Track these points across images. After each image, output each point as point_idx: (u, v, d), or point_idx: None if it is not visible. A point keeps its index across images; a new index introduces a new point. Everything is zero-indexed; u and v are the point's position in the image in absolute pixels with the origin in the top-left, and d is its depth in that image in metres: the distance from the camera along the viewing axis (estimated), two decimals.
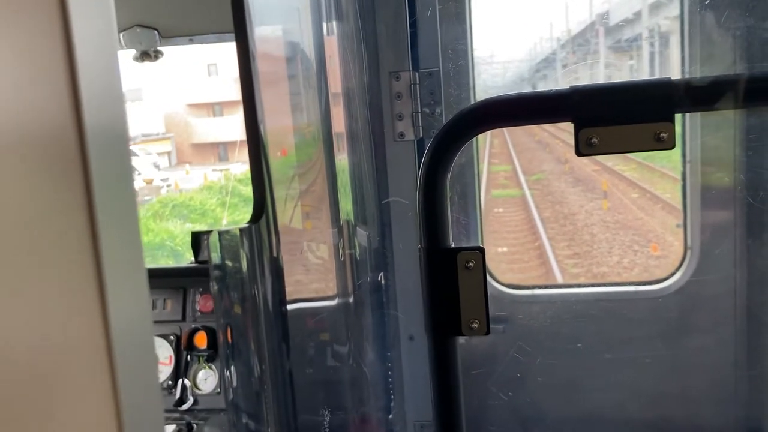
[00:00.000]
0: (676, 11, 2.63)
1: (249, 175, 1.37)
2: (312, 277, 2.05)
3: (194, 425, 2.55)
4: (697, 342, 2.72)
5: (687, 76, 2.60)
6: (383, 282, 2.71)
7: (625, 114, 1.36)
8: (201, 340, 2.68)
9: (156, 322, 2.74)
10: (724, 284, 2.65)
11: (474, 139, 2.59)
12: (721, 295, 2.66)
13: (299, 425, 1.69)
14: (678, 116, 1.38)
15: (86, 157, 0.60)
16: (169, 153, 30.67)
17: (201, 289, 2.77)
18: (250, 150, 1.30)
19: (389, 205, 2.71)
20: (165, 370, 2.70)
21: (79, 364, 0.61)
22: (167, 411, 2.61)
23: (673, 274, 2.74)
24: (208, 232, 1.35)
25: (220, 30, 2.49)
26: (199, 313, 2.76)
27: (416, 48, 2.63)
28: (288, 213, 1.76)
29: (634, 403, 2.79)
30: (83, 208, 0.60)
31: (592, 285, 4.05)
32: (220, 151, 32.00)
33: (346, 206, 2.29)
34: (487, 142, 18.65)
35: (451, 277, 1.50)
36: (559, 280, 9.52)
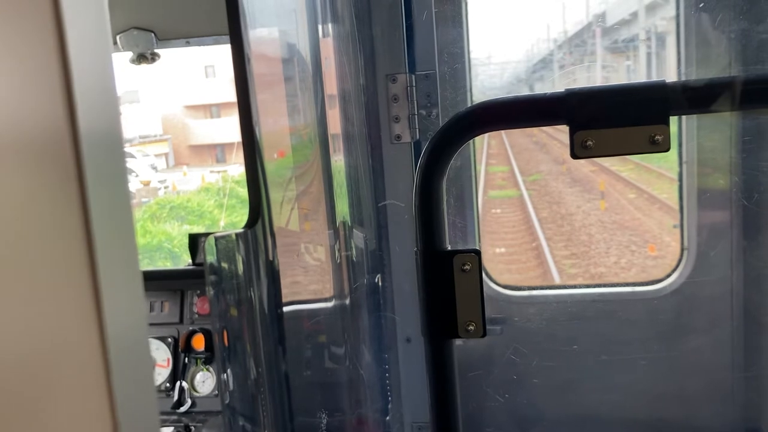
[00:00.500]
0: (673, 12, 2.64)
1: (245, 176, 1.37)
2: (309, 280, 2.06)
3: (192, 427, 2.54)
4: (693, 342, 2.72)
5: (683, 77, 2.61)
6: (380, 284, 2.71)
7: (619, 117, 1.37)
8: (199, 343, 2.68)
9: (154, 324, 2.74)
10: (721, 285, 2.65)
11: (471, 141, 2.59)
12: (718, 295, 2.67)
13: (296, 427, 1.69)
14: (675, 117, 1.38)
15: (80, 159, 0.60)
16: (166, 155, 30.64)
17: (198, 292, 2.77)
18: (245, 153, 1.30)
19: (386, 208, 2.71)
20: (163, 373, 2.70)
21: (74, 367, 0.61)
22: (165, 413, 2.61)
23: (669, 274, 2.75)
24: (206, 235, 1.35)
25: (217, 32, 2.49)
26: (196, 316, 2.76)
27: (412, 50, 2.63)
28: (284, 216, 1.76)
29: (631, 404, 2.79)
30: (78, 211, 0.60)
31: (589, 286, 4.06)
32: (217, 152, 31.98)
33: (343, 209, 2.30)
34: (485, 143, 18.67)
35: (448, 280, 1.50)
36: (557, 280, 9.52)
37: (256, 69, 1.43)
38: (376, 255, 2.69)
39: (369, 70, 2.59)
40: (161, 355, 2.71)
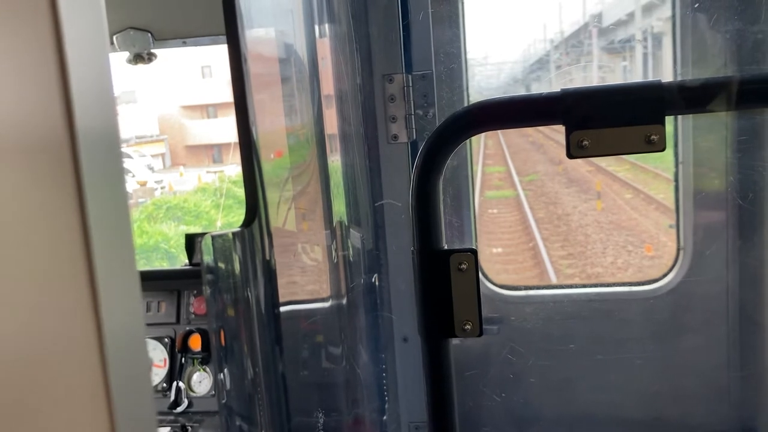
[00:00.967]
0: (669, 12, 2.64)
1: (242, 177, 1.37)
2: (306, 280, 2.06)
3: (189, 427, 2.54)
4: (689, 342, 2.73)
5: (679, 77, 2.61)
6: (377, 284, 2.72)
7: (615, 116, 1.37)
8: (195, 343, 2.68)
9: (150, 324, 2.73)
10: (717, 284, 2.66)
11: (467, 141, 2.59)
12: (714, 295, 2.68)
13: (293, 427, 1.69)
14: (670, 118, 1.39)
15: (77, 159, 0.60)
16: (163, 155, 30.58)
17: (195, 292, 2.76)
18: (242, 154, 1.30)
19: (383, 207, 2.71)
20: (159, 373, 2.70)
21: (71, 367, 0.61)
22: (162, 413, 2.61)
23: (665, 274, 2.75)
24: (202, 235, 1.34)
25: (214, 32, 2.48)
26: (193, 316, 2.76)
27: (409, 50, 2.64)
28: (281, 215, 1.76)
29: (627, 403, 2.80)
30: (75, 211, 0.60)
31: (586, 286, 4.06)
32: (214, 153, 31.92)
33: (340, 208, 2.30)
34: (482, 144, 18.68)
35: (444, 279, 1.50)
36: (554, 280, 9.53)
37: (253, 69, 1.43)
38: (373, 254, 2.69)
39: (366, 70, 2.59)
40: (158, 355, 2.71)
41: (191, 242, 2.72)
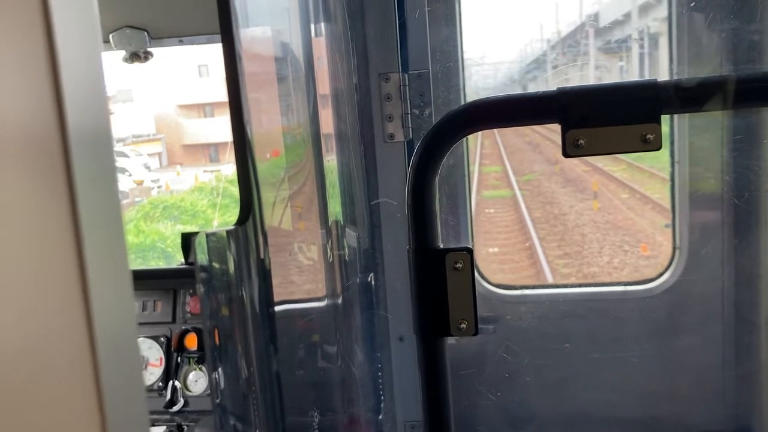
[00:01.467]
0: (665, 12, 2.65)
1: None
2: (301, 279, 2.05)
3: (185, 427, 2.54)
4: (685, 341, 2.73)
5: (675, 76, 2.62)
6: (372, 283, 2.72)
7: (611, 115, 1.37)
8: (191, 342, 2.68)
9: (146, 323, 2.73)
10: (712, 284, 2.67)
11: (464, 140, 2.59)
12: (709, 294, 2.68)
13: (288, 427, 1.68)
14: (666, 117, 1.39)
15: (69, 157, 0.60)
16: (159, 154, 30.54)
17: (191, 291, 2.76)
18: (236, 152, 1.30)
19: (378, 206, 2.71)
20: (155, 372, 2.69)
21: (62, 366, 0.61)
22: (158, 413, 2.60)
23: (661, 274, 2.76)
24: (198, 234, 1.34)
25: (210, 31, 2.48)
26: (189, 315, 2.75)
27: (405, 49, 2.63)
28: (276, 214, 1.76)
29: (623, 402, 2.80)
30: (66, 209, 0.60)
31: (582, 285, 4.07)
32: (211, 152, 31.90)
33: (336, 207, 2.29)
34: (479, 143, 18.70)
35: (440, 278, 1.50)
36: (550, 280, 9.55)
37: (248, 68, 1.43)
38: (369, 254, 2.69)
39: (362, 69, 2.59)
40: (154, 354, 2.70)
41: (187, 241, 2.72)
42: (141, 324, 2.73)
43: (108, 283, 0.65)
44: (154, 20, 2.45)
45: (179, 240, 2.80)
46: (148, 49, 2.56)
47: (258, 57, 1.75)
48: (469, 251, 1.50)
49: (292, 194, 1.96)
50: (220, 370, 1.46)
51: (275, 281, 1.61)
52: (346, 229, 2.39)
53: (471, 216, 2.85)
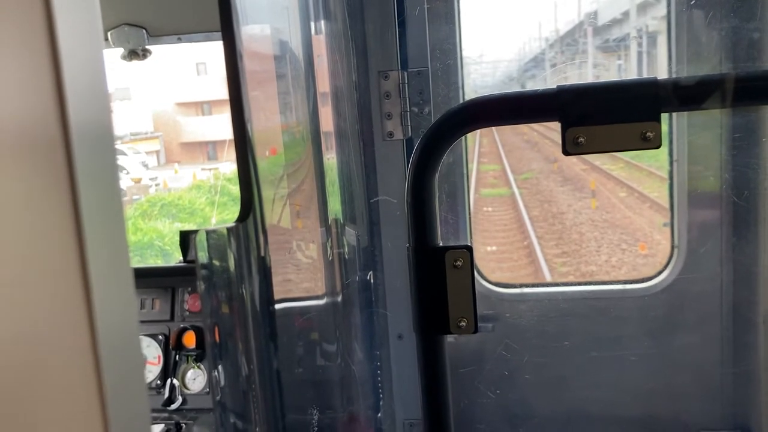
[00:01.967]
0: (664, 11, 2.65)
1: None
2: (300, 276, 2.05)
3: (183, 425, 2.54)
4: (683, 340, 2.74)
5: (674, 75, 2.62)
6: (372, 281, 2.72)
7: (611, 113, 1.37)
8: (189, 340, 2.67)
9: (144, 321, 2.73)
10: (711, 282, 2.67)
11: (462, 138, 2.60)
12: (708, 293, 2.68)
13: (287, 424, 1.68)
14: (665, 115, 1.39)
15: (71, 155, 0.60)
16: (157, 152, 30.52)
17: (189, 289, 2.76)
18: (237, 149, 1.30)
19: (378, 204, 2.71)
20: (153, 370, 2.69)
21: (64, 364, 0.61)
22: (156, 411, 2.60)
23: (660, 272, 2.76)
24: (197, 231, 1.34)
25: (209, 29, 2.48)
26: (187, 313, 2.75)
27: (405, 47, 2.64)
28: (276, 212, 1.75)
29: (622, 400, 2.81)
30: (69, 207, 0.60)
31: (580, 283, 4.07)
32: (209, 150, 31.89)
33: (335, 205, 2.29)
34: (477, 142, 18.70)
35: (440, 276, 1.50)
36: (548, 278, 9.56)
37: (248, 66, 1.43)
38: (368, 251, 2.69)
39: (361, 67, 2.59)
40: (152, 352, 2.70)
41: (186, 239, 2.71)
42: (139, 322, 2.73)
43: (110, 281, 0.65)
44: (152, 18, 2.45)
45: (177, 238, 2.80)
46: (147, 47, 2.55)
47: (258, 55, 1.75)
48: (469, 249, 1.50)
49: (292, 192, 1.96)
50: (220, 367, 1.46)
51: (275, 279, 1.61)
52: (346, 227, 2.39)
53: (470, 214, 2.85)
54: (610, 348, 2.77)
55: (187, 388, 2.66)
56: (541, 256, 10.08)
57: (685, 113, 2.54)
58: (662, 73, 3.55)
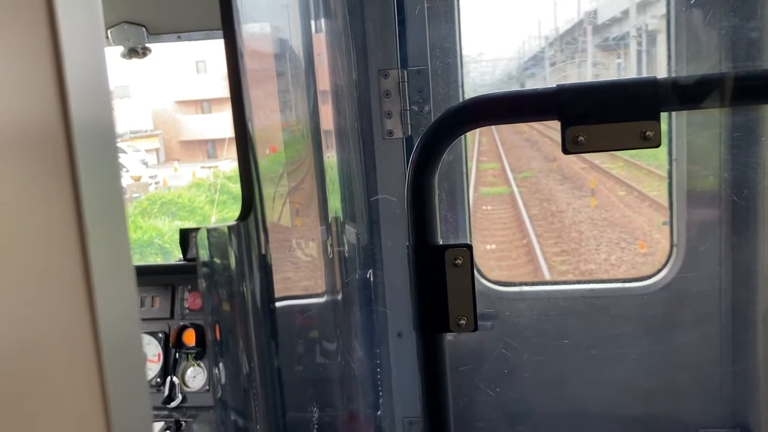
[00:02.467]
0: (663, 10, 2.65)
1: (238, 172, 1.37)
2: (301, 275, 2.06)
3: (183, 423, 2.54)
4: (682, 338, 2.74)
5: (673, 74, 2.62)
6: (371, 279, 2.72)
7: (611, 112, 1.37)
8: (189, 338, 2.68)
9: (144, 319, 2.73)
10: (710, 281, 2.67)
11: (462, 136, 2.60)
12: (707, 291, 2.69)
13: (288, 422, 1.69)
14: (664, 115, 1.39)
15: (73, 153, 0.60)
16: (157, 150, 30.50)
17: (189, 287, 2.76)
18: (238, 148, 1.30)
19: (378, 203, 2.71)
20: (153, 368, 2.70)
21: (66, 362, 0.61)
22: (156, 408, 2.61)
23: (659, 271, 2.76)
24: (197, 230, 1.34)
25: (208, 27, 2.48)
26: (187, 311, 2.75)
27: (405, 46, 2.64)
28: (277, 210, 1.76)
29: (621, 398, 2.81)
30: (70, 205, 0.60)
31: (580, 282, 4.07)
32: (208, 148, 31.88)
33: (335, 203, 2.30)
34: (476, 141, 18.70)
35: (440, 274, 1.50)
36: (547, 277, 9.56)
37: (249, 64, 1.43)
38: (368, 250, 2.69)
39: (361, 66, 2.59)
40: (152, 350, 2.70)
41: (186, 237, 2.71)
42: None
43: (112, 279, 0.65)
44: (152, 16, 2.45)
45: (177, 236, 2.80)
46: (146, 45, 2.55)
47: (258, 53, 1.75)
48: (469, 248, 1.50)
49: (292, 191, 1.96)
50: (221, 365, 1.46)
51: (276, 277, 1.61)
52: (346, 226, 2.40)
53: (469, 212, 2.86)
54: (609, 346, 2.78)
55: (187, 386, 2.67)
56: (540, 254, 10.09)
57: (685, 112, 2.55)
58: (662, 72, 3.55)
